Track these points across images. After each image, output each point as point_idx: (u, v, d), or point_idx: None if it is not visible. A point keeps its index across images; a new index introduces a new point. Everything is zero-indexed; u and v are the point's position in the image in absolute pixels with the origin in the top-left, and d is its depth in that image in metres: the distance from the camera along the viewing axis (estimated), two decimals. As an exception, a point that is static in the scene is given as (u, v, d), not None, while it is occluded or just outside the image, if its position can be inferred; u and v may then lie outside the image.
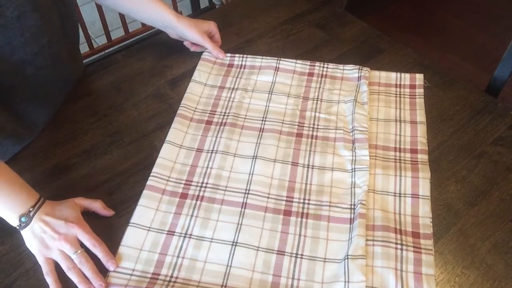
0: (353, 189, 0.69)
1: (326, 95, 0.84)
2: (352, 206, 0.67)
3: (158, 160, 0.73)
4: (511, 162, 0.73)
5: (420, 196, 0.68)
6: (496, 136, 0.77)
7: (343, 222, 0.66)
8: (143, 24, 1.46)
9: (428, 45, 2.08)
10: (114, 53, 1.07)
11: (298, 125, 0.79)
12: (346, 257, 0.60)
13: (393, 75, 0.87)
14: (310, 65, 0.90)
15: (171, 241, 0.64)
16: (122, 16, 1.40)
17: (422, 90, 0.84)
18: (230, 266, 0.61)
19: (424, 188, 0.69)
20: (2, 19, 0.63)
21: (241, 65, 0.91)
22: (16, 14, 0.64)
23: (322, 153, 0.74)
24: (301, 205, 0.68)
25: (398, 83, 0.86)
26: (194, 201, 0.68)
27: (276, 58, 0.91)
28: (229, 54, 0.92)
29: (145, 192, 0.69)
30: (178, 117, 0.79)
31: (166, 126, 0.79)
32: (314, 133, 0.78)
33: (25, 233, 0.63)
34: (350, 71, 0.88)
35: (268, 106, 0.82)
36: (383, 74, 0.88)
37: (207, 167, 0.73)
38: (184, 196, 0.69)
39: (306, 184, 0.70)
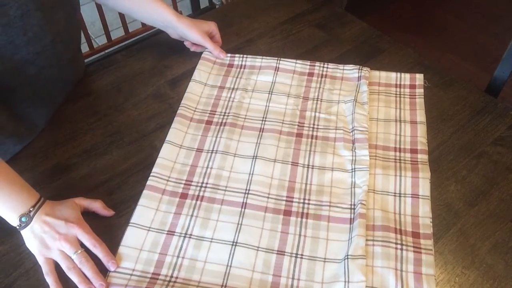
0: (353, 189, 0.69)
1: (326, 95, 0.84)
2: (352, 206, 0.67)
3: (158, 160, 0.73)
4: (511, 162, 0.73)
5: (420, 196, 0.68)
6: (496, 136, 0.77)
7: (343, 222, 0.66)
8: (143, 24, 1.46)
9: (428, 45, 2.08)
10: (114, 53, 1.07)
11: (298, 125, 0.79)
12: (346, 257, 0.60)
13: (393, 75, 0.87)
14: (310, 65, 0.90)
15: (171, 241, 0.64)
16: (122, 16, 1.40)
17: (422, 90, 0.84)
18: (230, 266, 0.61)
19: (424, 188, 0.69)
20: (5, 18, 0.63)
21: (241, 65, 0.91)
22: (19, 13, 0.65)
23: (322, 153, 0.74)
24: (301, 205, 0.68)
25: (398, 83, 0.86)
26: (194, 201, 0.68)
27: (276, 58, 0.91)
28: (229, 54, 0.92)
29: (145, 192, 0.69)
30: (178, 117, 0.79)
31: (166, 126, 0.79)
32: (314, 133, 0.78)
33: (25, 233, 0.63)
34: (350, 71, 0.88)
35: (268, 106, 0.82)
36: (383, 74, 0.88)
37: (207, 167, 0.73)
38: (184, 196, 0.69)
39: (306, 184, 0.70)
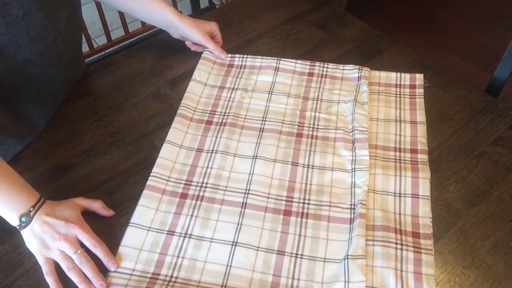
0: (353, 189, 0.69)
1: (326, 95, 0.84)
2: (352, 206, 0.67)
3: (158, 160, 0.73)
4: (511, 162, 0.73)
5: (420, 196, 0.68)
6: (496, 136, 0.77)
7: (343, 222, 0.66)
8: (143, 24, 1.46)
9: (428, 45, 2.08)
10: (114, 53, 1.07)
11: (298, 125, 0.79)
12: (346, 257, 0.60)
13: (393, 75, 0.87)
14: (310, 65, 0.90)
15: (171, 241, 0.64)
16: (122, 16, 1.40)
17: (422, 90, 0.84)
18: (230, 266, 0.61)
19: (424, 188, 0.69)
20: (7, 17, 0.63)
21: (241, 65, 0.91)
22: (21, 13, 0.65)
23: (322, 153, 0.74)
24: (301, 205, 0.68)
25: (398, 83, 0.86)
26: (194, 201, 0.68)
27: (276, 58, 0.91)
28: (229, 54, 0.92)
29: (145, 192, 0.69)
30: (178, 117, 0.79)
31: (166, 126, 0.79)
32: (314, 133, 0.78)
33: (25, 233, 0.63)
34: (350, 71, 0.88)
35: (268, 106, 0.82)
36: (383, 74, 0.88)
37: (207, 167, 0.73)
38: (184, 196, 0.69)
39: (306, 184, 0.70)
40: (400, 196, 0.68)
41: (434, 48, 2.07)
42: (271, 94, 0.85)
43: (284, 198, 0.69)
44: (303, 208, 0.68)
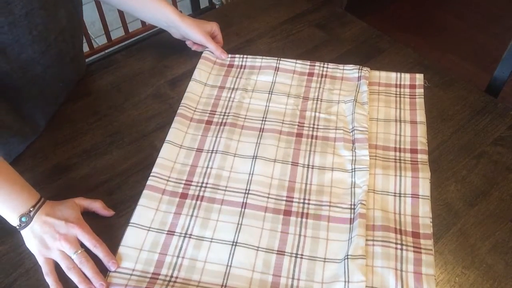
0: (353, 189, 0.69)
1: (326, 95, 0.84)
2: (352, 206, 0.67)
3: (158, 160, 0.73)
4: (511, 162, 0.73)
5: (420, 196, 0.68)
6: (496, 136, 0.77)
7: (343, 222, 0.66)
8: (143, 24, 1.46)
9: (428, 45, 2.08)
10: (114, 53, 1.07)
11: (298, 125, 0.79)
12: (346, 257, 0.60)
13: (393, 75, 0.87)
14: (310, 65, 0.90)
15: (171, 241, 0.64)
16: (122, 16, 1.40)
17: (422, 90, 0.84)
18: (230, 266, 0.61)
19: (424, 188, 0.69)
20: (10, 16, 0.63)
21: (241, 65, 0.91)
22: (24, 12, 0.65)
23: (322, 153, 0.74)
24: (301, 205, 0.68)
25: (398, 83, 0.86)
26: (194, 201, 0.68)
27: (276, 58, 0.91)
28: (229, 55, 0.92)
29: (145, 192, 0.69)
30: (178, 117, 0.79)
31: (166, 126, 0.79)
32: (314, 133, 0.78)
33: (25, 233, 0.63)
34: (350, 71, 0.88)
35: (268, 106, 0.82)
36: (383, 74, 0.88)
37: (207, 167, 0.73)
38: (184, 196, 0.69)
39: (306, 184, 0.70)
40: (400, 196, 0.68)
41: (434, 48, 2.07)
42: (271, 94, 0.85)
43: (284, 198, 0.69)
44: (303, 208, 0.68)
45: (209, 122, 0.80)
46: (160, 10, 0.88)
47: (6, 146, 0.75)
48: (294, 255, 0.63)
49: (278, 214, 0.67)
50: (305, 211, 0.67)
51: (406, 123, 0.79)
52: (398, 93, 0.84)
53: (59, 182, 0.73)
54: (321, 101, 0.83)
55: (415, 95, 0.83)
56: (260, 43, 0.98)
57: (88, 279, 0.60)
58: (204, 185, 0.70)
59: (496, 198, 0.69)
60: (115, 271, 0.61)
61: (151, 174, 0.71)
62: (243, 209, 0.67)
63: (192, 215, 0.67)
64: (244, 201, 0.68)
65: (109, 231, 0.66)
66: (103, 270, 0.61)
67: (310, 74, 0.88)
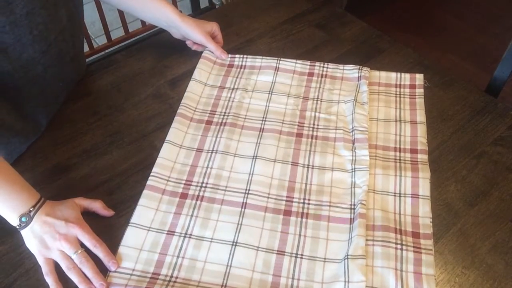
0: (353, 189, 0.69)
1: (326, 95, 0.84)
2: (352, 206, 0.67)
3: (158, 160, 0.73)
4: (511, 162, 0.73)
5: (420, 196, 0.68)
6: (496, 136, 0.77)
7: (343, 222, 0.66)
8: (143, 24, 1.46)
9: (428, 45, 2.08)
10: (114, 53, 1.07)
11: (298, 125, 0.79)
12: (346, 257, 0.60)
13: (393, 75, 0.87)
14: (310, 65, 0.90)
15: (171, 241, 0.64)
16: (122, 16, 1.40)
17: (422, 90, 0.84)
18: (230, 266, 0.61)
19: (424, 188, 0.69)
20: (11, 16, 0.63)
21: (241, 65, 0.91)
22: (25, 12, 0.65)
23: (322, 153, 0.74)
24: (301, 205, 0.68)
25: (398, 83, 0.86)
26: (194, 201, 0.68)
27: (276, 58, 0.91)
28: (229, 55, 0.92)
29: (145, 192, 0.69)
30: (178, 117, 0.79)
31: (166, 126, 0.79)
32: (314, 133, 0.78)
33: (25, 233, 0.63)
34: (350, 71, 0.88)
35: (268, 106, 0.82)
36: (383, 74, 0.88)
37: (207, 167, 0.73)
38: (184, 196, 0.69)
39: (306, 184, 0.70)
40: (400, 196, 0.68)
41: (434, 48, 2.07)
42: (271, 94, 0.85)
43: (284, 198, 0.69)
44: (303, 208, 0.68)
45: (209, 122, 0.80)
46: (160, 10, 0.88)
47: (7, 146, 0.75)
48: (294, 255, 0.63)
49: (278, 214, 0.67)
50: (305, 211, 0.67)
51: (406, 123, 0.79)
52: (398, 93, 0.84)
53: (59, 182, 0.73)
54: (321, 101, 0.83)
55: (415, 95, 0.83)
56: (260, 43, 0.98)
57: (88, 279, 0.60)
58: (204, 185, 0.70)
59: (496, 198, 0.69)
60: (115, 271, 0.61)
61: (151, 174, 0.71)
62: (243, 209, 0.67)
63: (192, 215, 0.67)
64: (244, 201, 0.68)
65: (109, 231, 0.66)
66: (103, 270, 0.61)
67: (310, 74, 0.88)
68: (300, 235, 0.64)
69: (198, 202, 0.68)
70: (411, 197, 0.68)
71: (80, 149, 0.78)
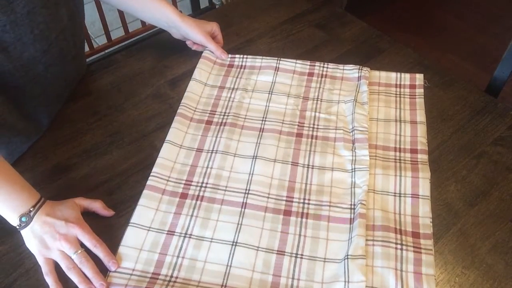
0: (353, 189, 0.69)
1: (326, 95, 0.84)
2: (352, 206, 0.67)
3: (158, 160, 0.73)
4: (511, 162, 0.73)
5: (420, 196, 0.68)
6: (496, 136, 0.77)
7: (343, 222, 0.66)
8: (143, 24, 1.46)
9: (428, 45, 2.08)
10: (114, 53, 1.07)
11: (298, 125, 0.79)
12: (346, 257, 0.60)
13: (393, 75, 0.87)
14: (310, 65, 0.90)
15: (171, 241, 0.64)
16: (122, 16, 1.40)
17: (422, 90, 0.84)
18: (230, 266, 0.61)
19: (424, 188, 0.69)
20: (12, 15, 0.63)
21: (241, 65, 0.91)
22: (26, 11, 0.65)
23: (322, 153, 0.74)
24: (301, 205, 0.68)
25: (398, 83, 0.86)
26: (194, 201, 0.68)
27: (276, 58, 0.91)
28: (229, 55, 0.92)
29: (145, 192, 0.69)
30: (178, 117, 0.79)
31: (166, 126, 0.79)
32: (314, 133, 0.78)
33: (25, 233, 0.63)
34: (350, 71, 0.88)
35: (268, 106, 0.82)
36: (383, 74, 0.88)
37: (207, 167, 0.73)
38: (184, 196, 0.69)
39: (306, 184, 0.70)
40: (400, 196, 0.68)
41: (434, 48, 2.07)
42: (271, 94, 0.85)
43: (284, 198, 0.69)
44: (303, 208, 0.68)
45: (209, 122, 0.80)
46: (160, 10, 0.88)
47: (8, 146, 0.75)
48: (294, 255, 0.63)
49: (278, 214, 0.67)
50: (305, 211, 0.67)
51: (406, 123, 0.79)
52: (398, 93, 0.84)
53: (59, 182, 0.73)
54: (321, 101, 0.83)
55: (415, 95, 0.83)
56: (260, 43, 0.98)
57: (88, 279, 0.60)
58: (204, 185, 0.70)
59: (496, 198, 0.69)
60: (115, 271, 0.61)
61: (151, 174, 0.71)
62: (243, 209, 0.67)
63: (192, 215, 0.67)
64: (244, 201, 0.68)
65: (109, 231, 0.66)
66: (103, 270, 0.61)
67: (310, 74, 0.88)
68: (300, 235, 0.64)
69: (198, 202, 0.68)
70: (411, 197, 0.68)
71: (80, 149, 0.78)
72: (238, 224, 0.65)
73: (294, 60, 0.90)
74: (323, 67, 0.89)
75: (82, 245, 0.63)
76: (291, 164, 0.73)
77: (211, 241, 0.64)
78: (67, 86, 0.85)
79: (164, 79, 0.90)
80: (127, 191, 0.71)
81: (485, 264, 0.62)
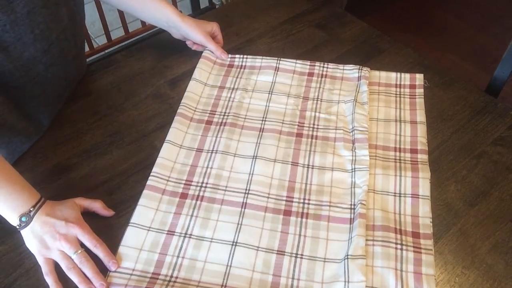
0: (353, 189, 0.69)
1: (326, 95, 0.84)
2: (352, 206, 0.67)
3: (158, 160, 0.73)
4: (511, 162, 0.73)
5: (420, 196, 0.68)
6: (496, 136, 0.77)
7: (343, 222, 0.66)
8: (143, 24, 1.46)
9: (428, 45, 2.08)
10: (114, 53, 1.07)
11: (298, 125, 0.79)
12: (346, 257, 0.60)
13: (393, 75, 0.87)
14: (310, 65, 0.90)
15: (171, 241, 0.64)
16: (122, 16, 1.40)
17: (422, 90, 0.84)
18: (230, 266, 0.61)
19: (424, 188, 0.69)
20: (12, 15, 0.63)
21: (241, 65, 0.91)
22: (26, 11, 0.65)
23: (322, 153, 0.74)
24: (301, 205, 0.68)
25: (398, 83, 0.86)
26: (194, 201, 0.68)
27: (276, 58, 0.91)
28: (229, 55, 0.92)
29: (145, 192, 0.69)
30: (178, 117, 0.79)
31: (166, 126, 0.79)
32: (314, 133, 0.78)
33: (25, 233, 0.63)
34: (350, 71, 0.88)
35: (268, 106, 0.82)
36: (383, 74, 0.88)
37: (207, 167, 0.73)
38: (184, 196, 0.69)
39: (306, 184, 0.70)
40: (400, 196, 0.68)
41: (434, 48, 2.07)
42: (271, 94, 0.85)
43: (284, 198, 0.69)
44: (303, 208, 0.68)
45: (209, 122, 0.80)
46: (160, 10, 0.88)
47: (9, 146, 0.75)
48: (294, 255, 0.63)
49: (278, 214, 0.67)
50: (305, 211, 0.67)
51: (406, 123, 0.79)
52: (398, 93, 0.84)
53: (59, 182, 0.73)
54: (321, 101, 0.83)
55: (415, 95, 0.83)
56: (260, 43, 0.98)
57: (88, 279, 0.60)
58: (204, 185, 0.70)
59: (496, 198, 0.69)
60: (115, 271, 0.61)
61: (151, 174, 0.71)
62: (243, 209, 0.67)
63: (192, 215, 0.67)
64: (244, 201, 0.68)
65: (109, 231, 0.66)
66: (103, 270, 0.61)
67: (310, 74, 0.88)
68: (300, 235, 0.64)
69: (198, 202, 0.68)
70: (411, 197, 0.68)
71: (80, 149, 0.78)
72: (238, 224, 0.65)
73: (294, 60, 0.90)
74: (323, 67, 0.89)
75: (82, 245, 0.63)
76: (291, 164, 0.73)
77: (211, 241, 0.64)
78: (67, 86, 0.85)
79: (164, 79, 0.90)
80: (127, 191, 0.71)
81: (485, 264, 0.62)
